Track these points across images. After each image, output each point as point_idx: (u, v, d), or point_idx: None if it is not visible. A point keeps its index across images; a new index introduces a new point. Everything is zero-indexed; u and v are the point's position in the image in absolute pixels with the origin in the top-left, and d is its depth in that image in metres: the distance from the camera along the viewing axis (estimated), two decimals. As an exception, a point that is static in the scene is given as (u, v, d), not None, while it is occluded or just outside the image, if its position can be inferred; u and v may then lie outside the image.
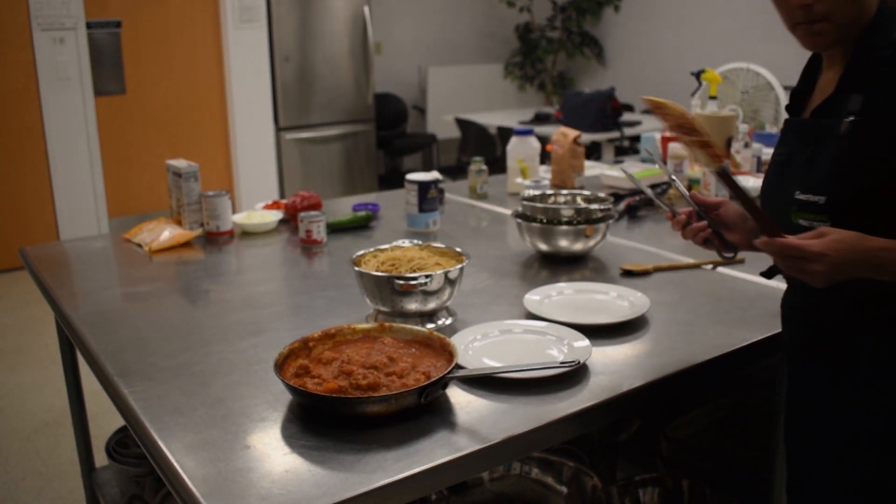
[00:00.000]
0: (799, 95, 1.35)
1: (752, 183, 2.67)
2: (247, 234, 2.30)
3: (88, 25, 5.21)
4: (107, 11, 5.30)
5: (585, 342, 1.41)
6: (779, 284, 1.77)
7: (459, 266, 1.54)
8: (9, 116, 5.07)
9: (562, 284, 1.74)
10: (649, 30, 7.38)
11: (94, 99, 5.32)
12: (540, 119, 5.91)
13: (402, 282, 1.48)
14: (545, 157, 2.96)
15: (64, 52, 5.13)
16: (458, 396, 1.26)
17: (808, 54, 1.34)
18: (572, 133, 2.72)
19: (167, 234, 2.19)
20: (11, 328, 4.25)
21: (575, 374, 1.33)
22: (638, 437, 2.18)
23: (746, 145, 2.87)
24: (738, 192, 1.22)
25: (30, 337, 4.12)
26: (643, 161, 3.20)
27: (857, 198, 1.15)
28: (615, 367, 1.37)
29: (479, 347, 1.42)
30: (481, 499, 1.87)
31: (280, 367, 1.24)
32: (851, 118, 1.15)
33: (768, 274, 1.37)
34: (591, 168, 3.03)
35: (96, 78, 5.32)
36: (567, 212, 1.96)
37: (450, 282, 1.52)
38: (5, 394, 3.47)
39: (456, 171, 6.51)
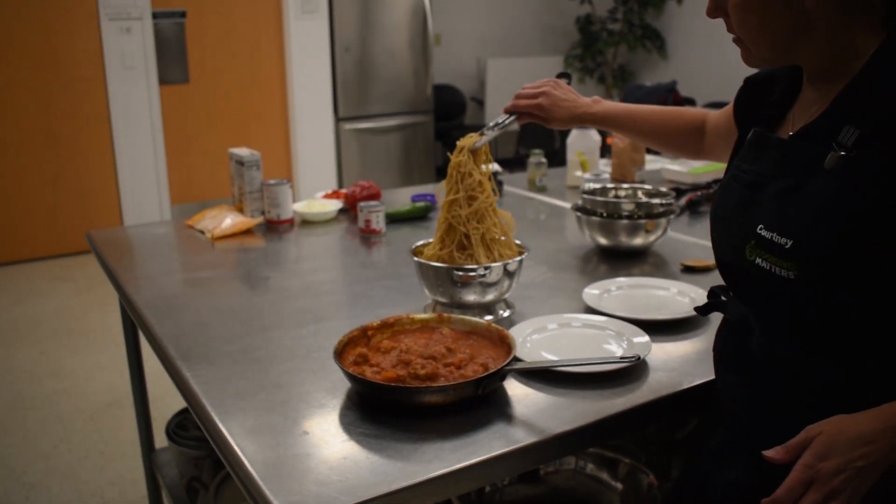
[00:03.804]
0: (777, 106, 1.18)
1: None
2: (306, 222, 2.32)
3: (154, 15, 5.31)
4: (172, 2, 5.39)
5: (645, 338, 1.40)
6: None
7: (518, 258, 1.53)
8: (77, 104, 5.20)
9: (621, 279, 1.72)
10: (713, 23, 7.22)
11: (159, 88, 5.42)
12: (599, 112, 5.85)
13: (461, 273, 1.48)
14: (605, 151, 2.93)
15: (130, 41, 5.24)
16: (515, 389, 1.26)
17: None
18: (633, 126, 2.69)
19: (229, 221, 2.22)
20: (77, 310, 4.36)
21: (634, 370, 1.31)
22: (694, 435, 2.15)
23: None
24: None
25: (94, 319, 4.22)
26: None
27: (832, 251, 0.96)
28: (675, 363, 1.35)
29: (537, 340, 1.42)
30: (535, 493, 1.87)
31: (339, 354, 1.25)
32: (843, 152, 0.97)
33: (704, 310, 1.28)
34: (652, 162, 2.99)
35: (161, 67, 5.42)
36: (627, 206, 1.93)
37: (508, 274, 1.52)
38: (70, 374, 3.57)
39: (514, 164, 6.48)
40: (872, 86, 0.99)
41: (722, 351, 1.21)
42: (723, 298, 1.21)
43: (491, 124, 1.64)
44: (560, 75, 1.74)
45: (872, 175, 0.94)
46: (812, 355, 1.04)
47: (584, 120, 1.68)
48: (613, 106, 1.67)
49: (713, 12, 1.11)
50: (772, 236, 1.02)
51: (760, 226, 1.04)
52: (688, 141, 1.63)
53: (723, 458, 1.20)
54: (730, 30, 1.11)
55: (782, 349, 1.07)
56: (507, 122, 1.66)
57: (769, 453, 0.96)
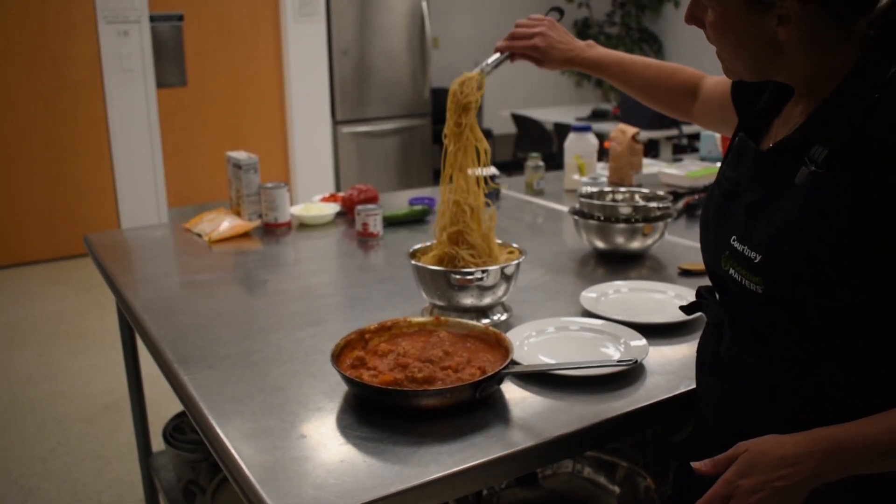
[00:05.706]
0: (763, 115, 1.17)
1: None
2: (304, 225, 2.32)
3: (152, 18, 5.31)
4: (170, 4, 5.39)
5: (642, 341, 1.40)
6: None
7: (516, 262, 1.53)
8: (74, 107, 5.20)
9: (619, 283, 1.72)
10: (710, 26, 7.24)
11: (157, 91, 5.42)
12: (597, 115, 5.86)
13: (458, 276, 1.48)
14: (603, 154, 2.93)
15: (128, 44, 5.24)
16: (512, 392, 1.26)
17: None
18: (631, 130, 2.70)
19: (227, 224, 2.22)
20: (74, 313, 4.35)
21: (631, 374, 1.31)
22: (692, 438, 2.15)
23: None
24: None
25: (91, 322, 4.22)
26: (702, 160, 3.15)
27: (798, 268, 0.96)
28: (672, 367, 1.36)
29: (534, 343, 1.42)
30: (532, 496, 1.87)
31: (337, 357, 1.25)
32: (813, 168, 0.96)
33: (688, 310, 1.28)
34: (650, 166, 3.00)
35: (159, 70, 5.42)
36: (625, 209, 1.94)
37: (506, 277, 1.52)
38: (68, 377, 3.56)
39: (512, 167, 6.48)
40: (843, 106, 0.98)
41: (702, 353, 1.22)
42: (706, 300, 1.21)
43: (486, 63, 1.64)
44: (552, 10, 1.74)
45: (839, 193, 0.94)
46: (774, 364, 1.04)
47: (577, 64, 1.68)
48: (607, 53, 1.66)
49: (689, 20, 1.10)
50: (743, 249, 1.02)
51: (734, 237, 1.05)
52: (678, 101, 1.62)
53: (699, 458, 1.20)
54: (709, 41, 1.10)
55: (746, 356, 1.08)
56: (500, 60, 1.67)
57: (697, 465, 0.97)
